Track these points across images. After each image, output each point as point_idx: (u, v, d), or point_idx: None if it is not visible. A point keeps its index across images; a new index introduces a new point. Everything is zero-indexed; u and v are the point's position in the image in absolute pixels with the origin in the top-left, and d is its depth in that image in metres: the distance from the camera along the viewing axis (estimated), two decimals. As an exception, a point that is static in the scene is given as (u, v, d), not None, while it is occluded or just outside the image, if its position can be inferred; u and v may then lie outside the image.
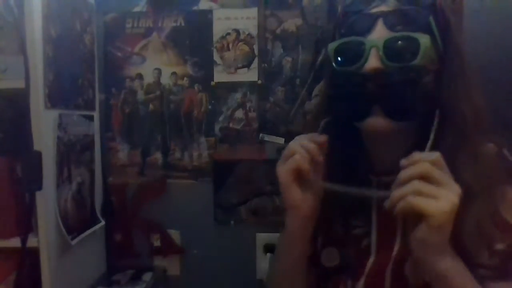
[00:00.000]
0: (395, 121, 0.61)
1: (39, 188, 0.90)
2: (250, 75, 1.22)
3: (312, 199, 0.67)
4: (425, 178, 0.54)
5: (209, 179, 1.25)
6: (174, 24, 1.23)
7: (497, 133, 0.66)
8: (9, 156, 0.97)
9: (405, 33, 0.59)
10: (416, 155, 0.56)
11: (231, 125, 1.24)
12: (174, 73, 1.24)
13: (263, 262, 1.21)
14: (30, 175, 0.89)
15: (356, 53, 0.61)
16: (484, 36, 1.14)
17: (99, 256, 1.24)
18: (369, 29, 0.62)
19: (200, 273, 1.26)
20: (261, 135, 1.22)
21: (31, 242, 0.92)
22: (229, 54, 1.22)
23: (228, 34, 1.22)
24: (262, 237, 1.23)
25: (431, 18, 0.61)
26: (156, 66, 1.25)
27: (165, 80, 1.25)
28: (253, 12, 1.21)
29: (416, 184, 0.54)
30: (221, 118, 1.24)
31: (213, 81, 1.23)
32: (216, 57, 1.23)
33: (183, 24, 1.23)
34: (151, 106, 1.26)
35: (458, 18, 1.13)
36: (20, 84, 0.88)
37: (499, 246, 0.60)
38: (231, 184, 1.24)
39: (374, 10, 0.63)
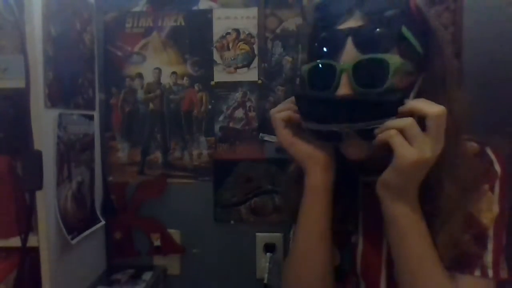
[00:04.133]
0: (370, 142, 0.60)
1: (40, 187, 0.90)
2: (250, 74, 1.22)
3: (322, 148, 0.67)
4: (421, 119, 0.55)
5: (209, 178, 1.25)
6: (174, 24, 1.23)
7: (486, 133, 0.66)
8: (9, 156, 0.97)
9: (373, 56, 0.58)
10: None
11: (231, 124, 1.24)
12: (174, 73, 1.24)
13: (263, 262, 1.21)
14: (31, 174, 0.89)
15: (328, 78, 0.61)
16: (484, 37, 1.14)
17: (99, 255, 1.24)
18: (339, 49, 0.60)
19: (200, 272, 1.27)
20: (261, 134, 1.22)
21: (31, 241, 0.92)
22: (229, 54, 1.22)
23: (228, 33, 1.22)
24: (262, 237, 1.23)
25: (404, 28, 0.59)
26: (156, 65, 1.25)
27: (165, 79, 1.25)
28: (253, 11, 1.21)
29: (408, 122, 0.55)
30: (221, 118, 1.24)
31: (213, 80, 1.23)
32: (216, 56, 1.23)
33: (183, 23, 1.23)
34: (151, 106, 1.26)
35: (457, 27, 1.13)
36: (20, 83, 0.88)
37: (462, 237, 0.61)
38: (231, 183, 1.24)
39: (343, 27, 0.61)
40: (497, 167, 0.64)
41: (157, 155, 1.26)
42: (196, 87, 1.24)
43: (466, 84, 1.15)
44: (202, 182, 1.25)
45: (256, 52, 1.21)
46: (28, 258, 0.94)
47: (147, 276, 1.19)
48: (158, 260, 1.27)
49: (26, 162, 0.91)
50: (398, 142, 0.55)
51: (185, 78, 1.24)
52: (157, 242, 1.26)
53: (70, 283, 1.03)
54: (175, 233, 1.26)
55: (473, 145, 0.66)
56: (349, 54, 0.60)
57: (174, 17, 1.23)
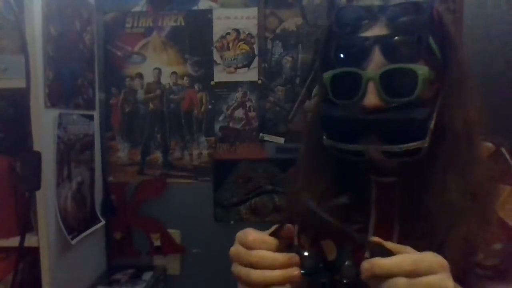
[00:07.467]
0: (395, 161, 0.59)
1: (38, 187, 0.90)
2: (250, 74, 1.22)
3: None
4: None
5: (209, 178, 1.25)
6: (174, 24, 1.23)
7: (496, 133, 0.65)
8: (9, 156, 0.97)
9: (402, 66, 0.56)
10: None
11: (231, 124, 1.24)
12: (174, 73, 1.24)
13: (263, 262, 1.21)
14: (29, 175, 0.89)
15: (353, 87, 0.58)
16: (484, 37, 1.14)
17: (99, 255, 1.24)
18: (365, 57, 0.58)
19: (200, 272, 1.27)
20: (261, 134, 1.22)
21: (31, 241, 0.92)
22: (229, 54, 1.22)
23: (228, 33, 1.22)
24: (262, 237, 1.23)
25: (431, 40, 0.58)
26: (156, 65, 1.25)
27: (165, 79, 1.25)
28: (253, 11, 1.21)
29: (408, 261, 0.46)
30: (221, 118, 1.24)
31: (213, 80, 1.23)
32: (216, 56, 1.23)
33: (183, 23, 1.23)
34: (151, 106, 1.26)
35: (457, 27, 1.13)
36: (20, 83, 0.88)
37: (497, 246, 0.59)
38: (231, 183, 1.24)
39: (369, 34, 0.59)
40: None
41: (157, 155, 1.26)
42: (196, 87, 1.24)
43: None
44: (202, 182, 1.25)
45: (256, 52, 1.21)
46: (28, 258, 0.94)
47: (147, 276, 1.19)
48: (158, 260, 1.27)
49: (24, 163, 0.91)
50: None
51: (185, 78, 1.24)
52: (157, 242, 1.26)
53: (70, 283, 1.03)
54: (175, 233, 1.26)
55: (488, 146, 0.64)
56: (376, 62, 0.57)
57: (174, 17, 1.23)
